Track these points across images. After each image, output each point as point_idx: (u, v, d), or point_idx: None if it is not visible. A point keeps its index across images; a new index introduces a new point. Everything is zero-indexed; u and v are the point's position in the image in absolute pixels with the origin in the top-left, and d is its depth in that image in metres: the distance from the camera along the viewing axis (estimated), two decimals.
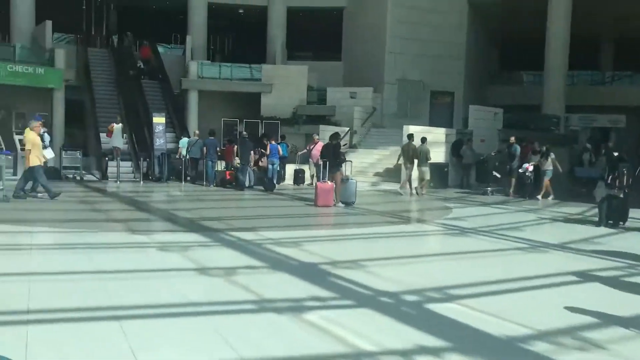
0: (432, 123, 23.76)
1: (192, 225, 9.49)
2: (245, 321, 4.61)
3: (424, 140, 16.64)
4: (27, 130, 11.82)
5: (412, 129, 18.38)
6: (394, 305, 5.18)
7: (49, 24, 24.99)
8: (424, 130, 18.53)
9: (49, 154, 16.18)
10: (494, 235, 9.45)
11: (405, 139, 16.90)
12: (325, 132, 20.42)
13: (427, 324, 4.70)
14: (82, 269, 6.07)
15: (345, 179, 13.25)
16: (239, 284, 5.61)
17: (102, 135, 20.62)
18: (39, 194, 11.93)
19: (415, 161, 16.05)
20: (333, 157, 13.02)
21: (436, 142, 18.88)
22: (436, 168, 18.04)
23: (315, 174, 18.21)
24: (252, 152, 16.97)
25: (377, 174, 20.58)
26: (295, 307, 4.97)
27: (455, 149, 19.64)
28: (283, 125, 23.81)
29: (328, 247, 8.14)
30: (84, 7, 33.12)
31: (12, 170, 17.79)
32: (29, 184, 11.92)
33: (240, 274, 6.06)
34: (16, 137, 18.34)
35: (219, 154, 18.46)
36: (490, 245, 8.63)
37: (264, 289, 5.45)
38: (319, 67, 28.70)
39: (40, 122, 12.47)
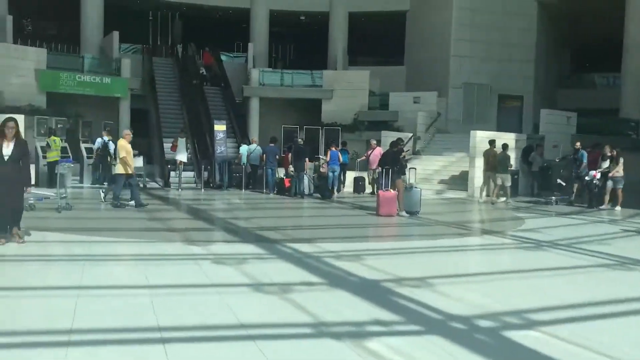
0: (500, 128, 22.69)
1: (249, 236, 9.18)
2: (301, 348, 4.16)
3: (505, 147, 15.91)
4: (121, 139, 12.28)
5: (480, 134, 17.57)
6: (466, 332, 4.60)
7: (116, 34, 25.64)
8: (493, 135, 17.65)
9: (138, 162, 16.66)
10: (574, 249, 8.62)
11: (477, 144, 16.23)
12: (387, 139, 19.80)
13: (505, 355, 4.10)
14: (134, 283, 5.81)
15: (409, 187, 12.65)
16: (294, 303, 5.17)
17: (166, 143, 20.86)
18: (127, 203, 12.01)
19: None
20: (393, 164, 12.46)
21: None
22: None
23: (371, 181, 17.72)
24: (306, 159, 16.61)
25: (442, 182, 19.78)
26: (356, 332, 4.48)
27: (525, 155, 18.61)
28: (344, 132, 23.40)
29: (392, 261, 7.58)
30: (151, 17, 34.00)
31: (78, 178, 18.28)
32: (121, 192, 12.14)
33: (296, 291, 5.62)
34: (82, 146, 18.76)
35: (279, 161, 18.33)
36: (571, 261, 7.84)
37: (321, 309, 4.98)
38: (381, 72, 28.18)
39: (130, 131, 12.58)
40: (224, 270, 6.51)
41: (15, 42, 23.34)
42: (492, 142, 16.29)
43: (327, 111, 25.78)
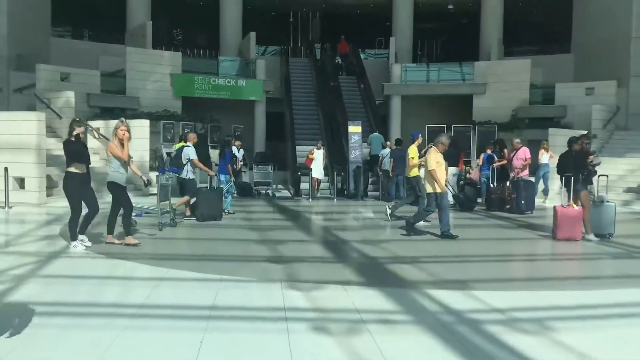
0: None
1: (376, 273, 6.75)
2: None
3: None
4: (412, 146, 10.53)
5: None
6: None
7: (252, 35, 24.65)
8: None
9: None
10: None
11: None
12: (556, 138, 16.34)
13: None
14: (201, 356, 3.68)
15: (599, 201, 9.42)
16: None
17: (299, 147, 19.20)
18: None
19: None
20: (578, 169, 9.30)
21: None
22: None
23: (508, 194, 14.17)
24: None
25: (629, 190, 15.82)
26: None
27: None
28: (500, 131, 20.05)
29: (600, 335, 4.69)
30: (292, 19, 33.00)
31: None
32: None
33: None
34: (211, 152, 17.59)
35: None
36: None
37: None
38: (544, 61, 24.22)
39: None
40: (323, 345, 4.15)
41: (155, 49, 23.17)
42: None
43: (480, 108, 22.56)
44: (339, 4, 29.45)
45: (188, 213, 11.01)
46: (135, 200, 12.50)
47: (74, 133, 7.45)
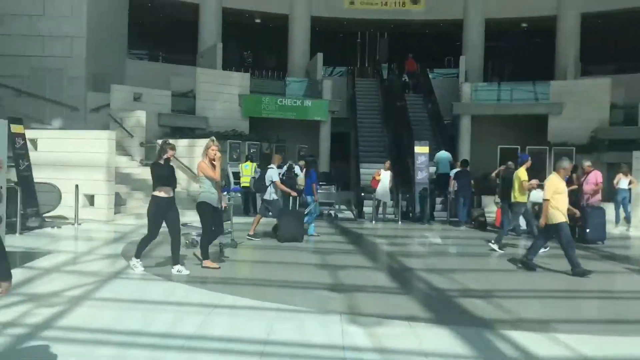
0: None
1: (443, 308, 6.23)
2: None
3: None
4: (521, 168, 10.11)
5: None
6: None
7: (319, 56, 24.66)
8: None
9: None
10: None
11: None
12: None
13: None
14: None
15: None
16: None
17: (363, 169, 18.85)
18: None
19: None
20: None
21: None
22: None
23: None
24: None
25: None
26: None
27: None
28: (578, 153, 18.88)
29: None
30: (359, 39, 32.89)
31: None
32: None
33: None
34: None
35: (473, 189, 15.18)
36: None
37: None
38: (625, 80, 22.78)
39: (529, 161, 10.48)
40: None
41: (225, 70, 23.52)
42: None
43: (555, 128, 21.46)
44: (408, 24, 29.03)
45: (252, 232, 10.88)
46: (189, 219, 12.59)
47: (165, 156, 7.32)
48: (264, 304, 5.87)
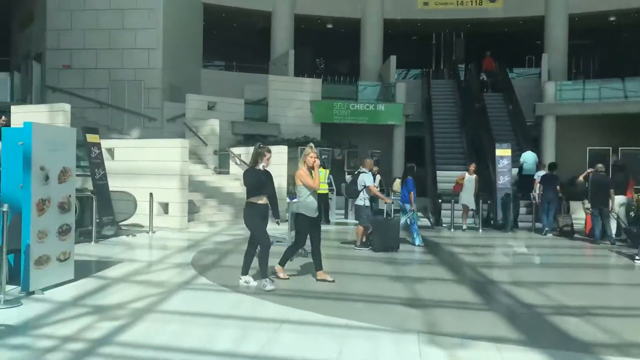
0: None
1: (533, 327, 5.55)
2: None
3: None
4: None
5: None
6: None
7: (393, 59, 24.12)
8: None
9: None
10: None
11: None
12: None
13: None
14: None
15: None
16: None
17: (439, 174, 18.11)
18: None
19: None
20: None
21: None
22: None
23: None
24: (611, 190, 11.91)
25: None
26: None
27: None
28: None
29: None
30: (434, 41, 32.04)
31: (343, 213, 16.66)
32: None
33: None
34: (348, 177, 17.09)
35: (560, 194, 14.13)
36: None
37: None
38: None
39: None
40: None
41: (297, 77, 23.43)
42: None
43: None
44: (485, 23, 27.93)
45: (359, 243, 10.56)
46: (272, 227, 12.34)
47: (262, 162, 6.85)
48: (335, 320, 5.43)
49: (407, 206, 11.30)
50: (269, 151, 6.91)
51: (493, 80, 24.57)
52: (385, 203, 11.49)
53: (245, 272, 6.99)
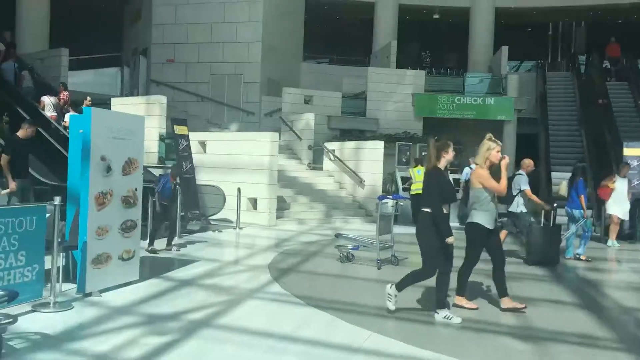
0: None
1: None
2: None
3: None
4: None
5: None
6: None
7: (504, 50, 22.31)
8: None
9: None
10: None
11: None
12: None
13: None
14: None
15: None
16: None
17: (554, 175, 16.31)
18: None
19: None
20: None
21: None
22: None
23: None
24: None
25: None
26: None
27: None
28: None
29: None
30: (550, 31, 29.56)
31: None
32: None
33: None
34: (450, 177, 15.74)
35: None
36: None
37: None
38: None
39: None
40: None
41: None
42: None
43: None
44: (612, 8, 25.17)
45: None
46: (352, 227, 11.44)
47: (446, 158, 5.40)
48: (421, 353, 4.40)
49: (577, 212, 9.71)
50: (450, 145, 5.44)
51: (618, 69, 22.04)
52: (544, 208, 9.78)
53: (443, 304, 5.48)
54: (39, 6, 20.38)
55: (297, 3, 23.77)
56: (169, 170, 9.57)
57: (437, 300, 5.44)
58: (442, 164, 5.41)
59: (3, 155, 8.08)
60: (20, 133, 8.37)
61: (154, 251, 8.39)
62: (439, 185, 5.30)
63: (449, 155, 5.39)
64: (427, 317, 5.45)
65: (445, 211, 5.29)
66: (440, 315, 5.36)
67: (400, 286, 5.47)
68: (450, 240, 5.24)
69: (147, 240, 8.38)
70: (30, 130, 8.35)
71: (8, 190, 7.91)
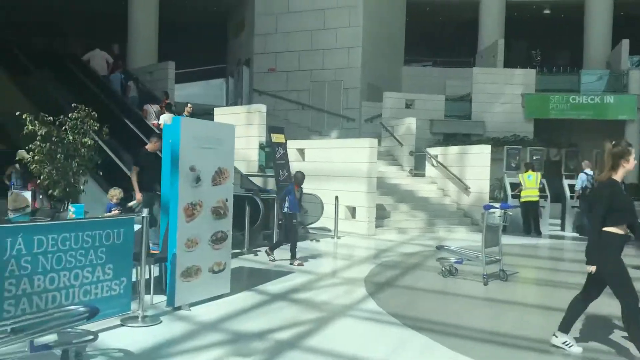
0: None
1: None
2: None
3: None
4: None
5: None
6: None
7: (625, 43, 20.54)
8: None
9: None
10: None
11: None
12: None
13: None
14: None
15: None
16: None
17: None
18: None
19: None
20: None
21: None
22: None
23: None
24: None
25: None
26: None
27: None
28: None
29: None
30: None
31: (559, 224, 14.20)
32: None
33: None
34: (565, 182, 14.52)
35: None
36: None
37: None
38: None
39: None
40: None
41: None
42: None
43: None
44: None
45: None
46: (456, 237, 10.70)
47: (624, 167, 4.41)
48: None
49: None
50: (632, 152, 4.45)
51: None
52: None
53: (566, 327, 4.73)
54: (148, 23, 21.40)
55: (398, 6, 23.26)
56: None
57: (563, 320, 4.70)
58: (619, 175, 4.43)
59: (134, 167, 8.40)
60: (149, 147, 8.59)
61: (273, 260, 8.48)
62: (610, 201, 4.33)
63: (629, 165, 4.40)
64: (544, 346, 4.79)
65: (621, 232, 4.36)
66: (559, 340, 4.68)
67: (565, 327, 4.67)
68: (589, 268, 4.42)
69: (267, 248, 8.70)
70: (159, 144, 8.43)
71: (135, 202, 8.10)
